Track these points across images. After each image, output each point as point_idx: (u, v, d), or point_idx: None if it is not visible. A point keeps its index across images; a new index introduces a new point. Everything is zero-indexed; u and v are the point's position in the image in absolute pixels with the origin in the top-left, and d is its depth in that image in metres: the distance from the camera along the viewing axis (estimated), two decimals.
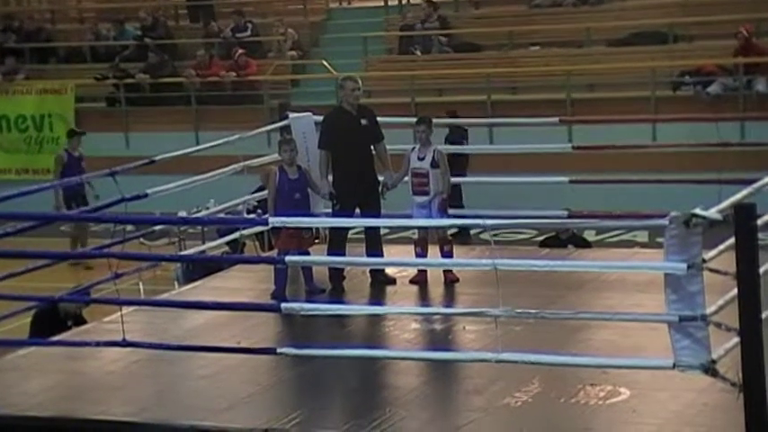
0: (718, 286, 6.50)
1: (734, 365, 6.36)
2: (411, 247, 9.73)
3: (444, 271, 9.60)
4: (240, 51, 20.70)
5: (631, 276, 8.81)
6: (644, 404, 6.90)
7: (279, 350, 7.46)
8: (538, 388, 7.14)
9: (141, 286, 10.93)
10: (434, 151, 9.63)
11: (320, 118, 10.23)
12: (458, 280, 9.49)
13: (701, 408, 6.78)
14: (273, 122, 11.54)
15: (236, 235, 11.47)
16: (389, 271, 9.79)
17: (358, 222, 9.55)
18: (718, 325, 6.36)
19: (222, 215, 11.75)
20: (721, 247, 6.48)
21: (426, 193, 9.58)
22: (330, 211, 9.91)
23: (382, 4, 22.39)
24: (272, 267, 9.47)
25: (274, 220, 8.11)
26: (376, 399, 7.47)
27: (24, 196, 8.75)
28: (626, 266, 8.30)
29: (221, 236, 12.10)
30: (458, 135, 16.29)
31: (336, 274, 9.64)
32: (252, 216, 13.05)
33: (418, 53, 20.52)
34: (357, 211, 9.65)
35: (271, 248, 11.13)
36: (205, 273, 11.18)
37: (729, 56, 18.11)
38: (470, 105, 18.47)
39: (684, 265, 6.25)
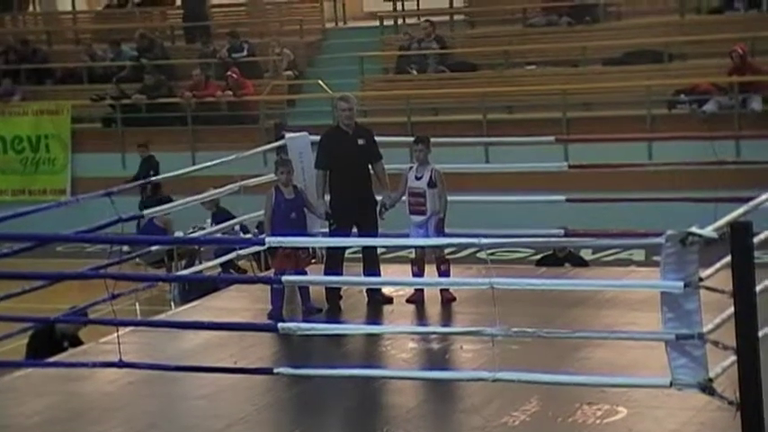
0: (714, 304, 6.50)
1: (731, 384, 6.36)
2: (408, 267, 9.73)
3: (441, 290, 9.59)
4: (230, 73, 20.71)
5: (628, 295, 8.81)
6: (641, 423, 6.90)
7: (276, 370, 7.45)
8: (535, 407, 7.14)
9: (138, 307, 10.92)
10: (432, 171, 9.63)
11: (316, 138, 10.24)
12: (455, 299, 9.49)
13: (699, 426, 6.77)
14: (270, 142, 11.55)
15: (232, 255, 11.47)
16: (386, 290, 9.79)
17: (355, 242, 9.56)
18: (715, 343, 6.36)
19: (218, 235, 11.76)
20: (718, 265, 6.49)
21: (423, 213, 9.58)
22: (327, 230, 9.91)
23: (378, 23, 22.45)
24: (268, 287, 9.46)
25: (271, 240, 8.11)
26: (373, 418, 7.46)
27: (21, 217, 8.75)
28: (622, 285, 8.31)
29: (218, 256, 12.09)
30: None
31: (333, 294, 9.64)
32: (248, 236, 13.08)
33: (414, 72, 20.56)
34: (354, 230, 9.65)
35: (267, 268, 11.13)
36: (201, 293, 11.17)
37: (724, 75, 18.15)
38: (466, 124, 18.50)
39: (681, 284, 6.26)
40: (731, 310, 6.31)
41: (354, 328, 8.68)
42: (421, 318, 9.42)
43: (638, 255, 15.34)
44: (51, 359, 9.15)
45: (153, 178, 13.79)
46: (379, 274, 9.58)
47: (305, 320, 9.03)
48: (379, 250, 9.92)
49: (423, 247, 9.59)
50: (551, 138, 12.71)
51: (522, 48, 20.50)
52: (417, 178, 9.64)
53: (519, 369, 6.90)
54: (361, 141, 9.78)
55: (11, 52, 23.53)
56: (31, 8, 26.48)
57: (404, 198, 9.74)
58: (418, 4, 23.33)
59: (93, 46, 23.45)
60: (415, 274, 9.59)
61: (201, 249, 13.94)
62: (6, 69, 23.04)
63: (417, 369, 8.14)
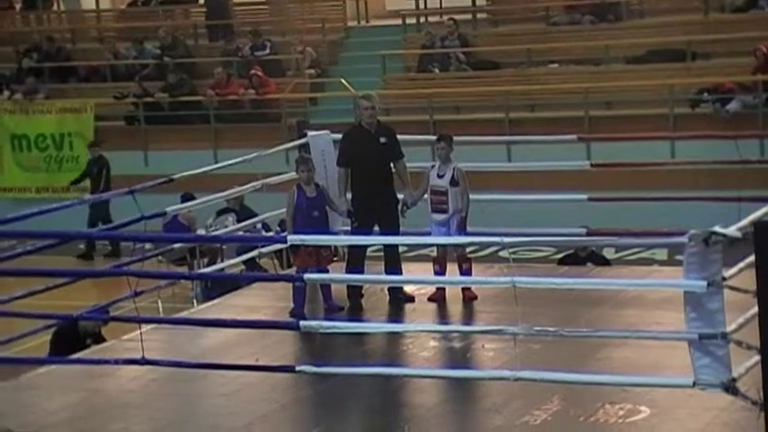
0: (738, 304, 6.48)
1: (754, 384, 6.33)
2: (429, 265, 9.72)
3: (463, 289, 9.59)
4: (254, 72, 20.75)
5: (650, 294, 8.78)
6: (664, 423, 6.87)
7: (297, 368, 7.47)
8: (557, 406, 7.12)
9: (160, 304, 10.95)
10: (454, 169, 9.62)
11: (339, 136, 10.25)
12: (476, 298, 9.48)
13: (722, 427, 6.74)
14: (292, 140, 11.57)
15: (254, 253, 11.48)
16: (408, 289, 9.79)
17: (376, 240, 9.56)
18: (739, 343, 6.34)
19: (241, 233, 11.79)
20: (741, 264, 6.47)
21: (445, 211, 9.57)
22: (348, 228, 9.91)
23: (400, 22, 22.44)
24: (290, 285, 9.48)
25: (293, 238, 8.12)
26: (394, 417, 7.46)
27: (44, 215, 8.79)
28: (645, 284, 8.28)
29: (240, 254, 12.11)
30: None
31: (355, 292, 9.64)
32: (270, 234, 13.11)
33: (436, 71, 20.55)
34: (376, 228, 9.65)
35: (289, 266, 11.14)
36: (224, 291, 11.19)
37: (748, 73, 18.06)
38: (489, 123, 18.47)
39: (704, 283, 6.24)
40: (755, 309, 6.28)
41: (376, 326, 8.68)
42: (442, 316, 9.42)
43: (661, 254, 15.28)
44: (74, 356, 9.18)
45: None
46: (400, 273, 9.58)
47: (326, 318, 9.04)
48: (401, 249, 9.93)
49: (444, 246, 9.58)
50: (574, 136, 12.69)
51: (545, 46, 20.45)
52: (439, 176, 9.63)
53: (540, 368, 6.90)
54: (383, 140, 9.77)
55: (35, 50, 23.64)
56: (55, 6, 26.57)
57: (426, 196, 9.73)
58: (441, 3, 23.31)
59: (117, 44, 23.53)
60: (436, 273, 9.58)
61: (224, 247, 13.97)
62: (30, 67, 23.14)
63: (438, 368, 8.14)
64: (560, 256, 13.55)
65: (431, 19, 22.51)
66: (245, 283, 10.87)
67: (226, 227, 13.30)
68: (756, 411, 6.28)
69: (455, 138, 9.94)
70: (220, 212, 14.64)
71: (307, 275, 8.41)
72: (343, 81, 20.26)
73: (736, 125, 17.03)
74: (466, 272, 9.58)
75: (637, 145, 15.35)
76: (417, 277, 9.83)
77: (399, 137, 9.99)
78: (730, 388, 6.31)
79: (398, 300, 9.64)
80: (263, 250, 11.52)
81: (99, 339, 10.68)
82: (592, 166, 12.31)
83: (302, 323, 7.54)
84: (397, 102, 19.79)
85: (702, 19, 20.27)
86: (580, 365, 7.39)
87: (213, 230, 13.85)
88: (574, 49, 20.16)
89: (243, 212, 14.08)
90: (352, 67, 21.41)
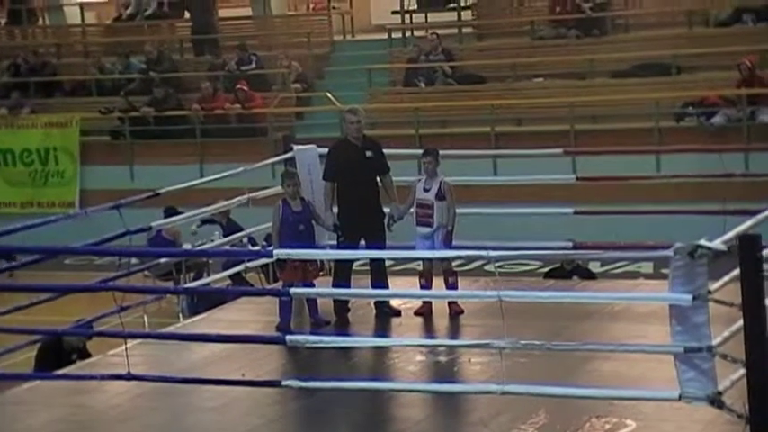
0: (723, 317, 6.49)
1: (740, 397, 6.34)
2: (416, 279, 9.73)
3: (449, 302, 9.59)
4: (240, 86, 20.76)
5: (636, 307, 8.80)
6: None
7: (284, 382, 7.45)
8: (543, 420, 7.12)
9: (146, 319, 10.95)
10: (441, 183, 9.63)
11: (325, 150, 10.25)
12: (463, 311, 9.48)
13: None
14: (278, 155, 11.58)
15: (240, 267, 11.47)
16: (394, 303, 9.78)
17: (363, 254, 9.56)
18: (724, 356, 6.35)
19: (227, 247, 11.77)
20: (726, 278, 6.48)
21: (430, 225, 9.57)
22: (335, 242, 9.91)
23: (386, 36, 22.49)
24: (276, 299, 9.46)
25: (279, 253, 8.11)
26: (381, 431, 7.45)
27: (29, 230, 8.76)
28: (631, 297, 8.29)
29: (226, 268, 12.10)
30: None
31: (341, 306, 9.64)
32: (256, 248, 13.09)
33: (422, 85, 20.58)
34: (362, 242, 9.65)
35: (275, 281, 11.13)
36: (210, 305, 11.18)
37: (733, 87, 18.14)
38: (474, 137, 18.51)
39: (690, 296, 6.25)
40: (740, 322, 6.30)
41: (362, 340, 8.68)
42: (429, 330, 9.41)
43: (647, 267, 15.31)
44: (60, 371, 9.15)
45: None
46: (386, 287, 9.58)
47: (313, 333, 9.03)
48: (387, 262, 9.92)
49: (431, 260, 9.58)
50: (559, 150, 12.72)
51: (531, 60, 20.51)
52: (426, 190, 9.64)
53: (527, 382, 6.90)
54: (369, 154, 9.78)
55: (20, 65, 23.60)
56: (40, 21, 26.55)
57: (412, 210, 9.73)
58: (426, 17, 23.37)
59: (102, 59, 23.53)
60: (422, 287, 9.58)
61: (210, 261, 13.95)
62: (16, 82, 23.11)
63: (425, 382, 8.13)
64: (546, 269, 13.57)
65: (416, 33, 22.56)
66: (231, 298, 10.85)
67: (212, 241, 13.30)
68: (742, 425, 6.29)
69: (441, 152, 9.95)
70: (205, 221, 14.62)
71: (293, 290, 8.40)
72: (328, 95, 20.28)
73: (721, 139, 17.11)
74: (452, 286, 9.59)
75: (622, 158, 15.38)
76: (404, 291, 9.84)
77: (385, 151, 10.00)
78: (716, 401, 6.32)
79: (385, 314, 9.64)
80: (250, 265, 11.50)
81: (84, 354, 10.64)
82: (577, 179, 12.34)
83: (288, 337, 7.53)
84: (382, 116, 19.81)
85: (687, 33, 20.36)
86: (566, 379, 7.39)
87: (199, 242, 13.85)
88: (559, 63, 20.23)
89: (229, 227, 14.07)
90: (337, 81, 21.43)
